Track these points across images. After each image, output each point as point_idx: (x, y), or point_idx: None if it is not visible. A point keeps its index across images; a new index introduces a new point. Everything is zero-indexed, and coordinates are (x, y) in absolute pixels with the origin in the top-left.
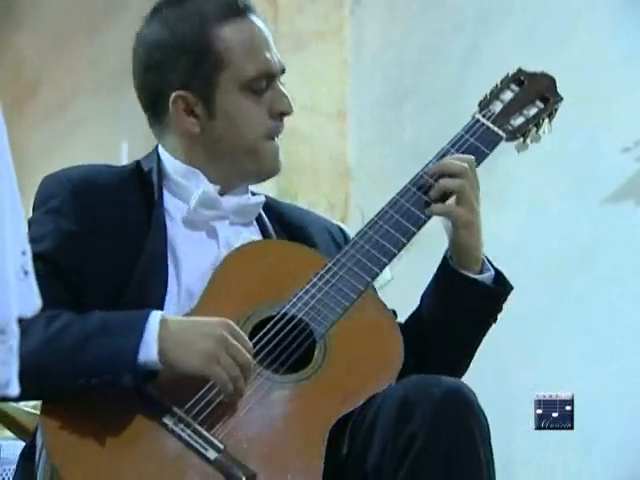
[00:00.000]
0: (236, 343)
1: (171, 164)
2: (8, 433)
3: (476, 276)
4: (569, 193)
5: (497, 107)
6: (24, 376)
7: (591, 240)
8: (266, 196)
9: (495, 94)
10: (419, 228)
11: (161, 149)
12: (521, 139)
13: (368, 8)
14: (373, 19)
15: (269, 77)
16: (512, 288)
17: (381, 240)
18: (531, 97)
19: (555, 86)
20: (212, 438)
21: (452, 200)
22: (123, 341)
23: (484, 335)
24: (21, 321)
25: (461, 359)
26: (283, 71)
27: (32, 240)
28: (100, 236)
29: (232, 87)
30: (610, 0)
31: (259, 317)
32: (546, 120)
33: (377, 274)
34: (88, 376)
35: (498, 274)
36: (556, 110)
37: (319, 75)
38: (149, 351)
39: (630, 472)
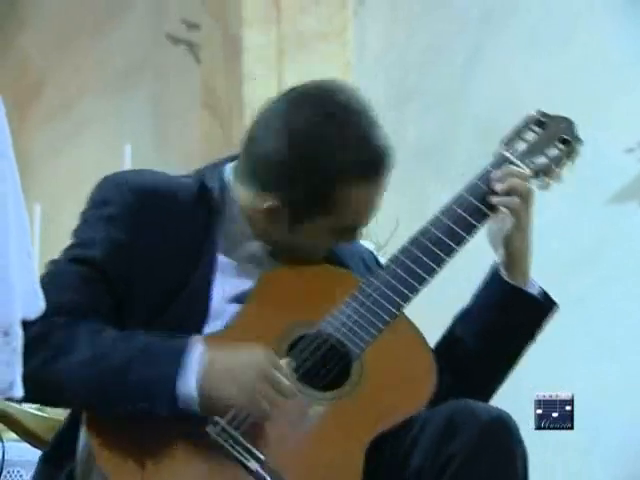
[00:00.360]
0: (277, 374)
1: (234, 199)
2: (13, 435)
3: (529, 290)
4: (572, 194)
5: (521, 146)
6: (69, 388)
7: (593, 241)
8: None
9: (518, 133)
10: (472, 234)
11: (227, 176)
12: (543, 178)
13: (371, 9)
14: (376, 20)
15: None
16: (558, 306)
17: (412, 265)
18: (552, 139)
19: (574, 128)
20: (253, 449)
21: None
22: (162, 372)
23: (523, 353)
24: (25, 324)
25: (496, 380)
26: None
27: (84, 243)
28: (151, 251)
29: (323, 228)
30: (611, 1)
31: (295, 335)
32: (567, 161)
33: (409, 298)
34: (127, 402)
35: (544, 291)
36: (577, 152)
37: (322, 76)
38: (188, 382)
39: (630, 472)
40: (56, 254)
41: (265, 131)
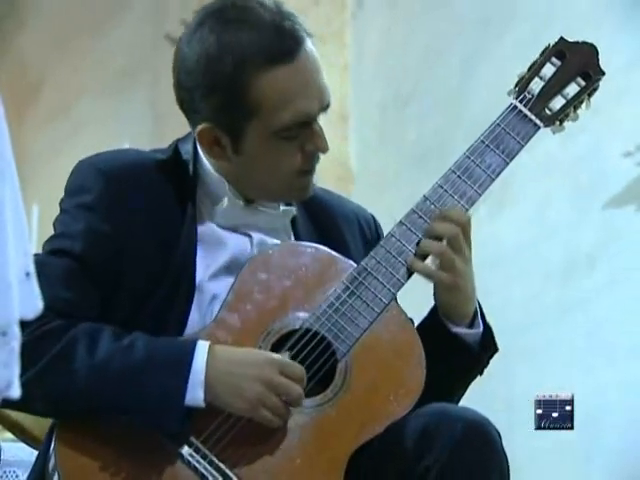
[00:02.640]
0: (285, 382)
1: (204, 161)
2: (9, 435)
3: (459, 332)
4: (571, 197)
5: (537, 87)
6: (62, 405)
7: (592, 244)
8: None
9: (535, 70)
10: None
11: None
12: (558, 122)
13: (370, 11)
14: (375, 22)
15: (303, 124)
16: (497, 350)
17: (407, 246)
18: (572, 73)
19: (597, 59)
20: (228, 472)
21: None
22: (169, 383)
23: (461, 389)
24: (23, 324)
25: (445, 399)
26: (326, 107)
27: (65, 234)
28: (133, 236)
29: (261, 135)
30: (613, 5)
31: (280, 332)
32: (586, 98)
33: (402, 285)
34: (133, 414)
35: (487, 332)
36: (597, 88)
37: None
38: (195, 394)
39: (630, 472)
40: None
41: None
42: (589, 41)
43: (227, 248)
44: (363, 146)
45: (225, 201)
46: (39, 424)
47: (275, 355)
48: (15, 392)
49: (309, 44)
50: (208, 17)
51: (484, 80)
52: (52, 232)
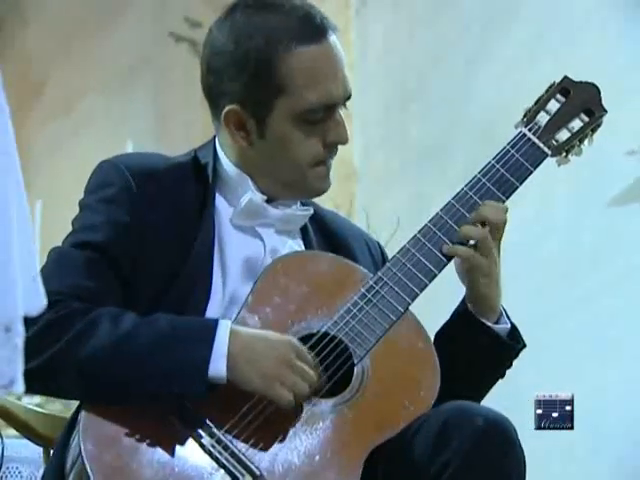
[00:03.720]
0: (301, 364)
1: (225, 161)
2: (12, 432)
3: (491, 325)
4: (574, 196)
5: (543, 119)
6: (88, 375)
7: (596, 242)
8: (312, 204)
9: (541, 104)
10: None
11: (217, 143)
12: (564, 153)
13: (373, 9)
14: (378, 20)
15: (328, 107)
16: (525, 345)
17: (422, 259)
18: (576, 110)
19: (600, 98)
20: (249, 463)
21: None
22: (194, 353)
23: (490, 386)
24: (27, 320)
25: (471, 397)
26: (348, 98)
27: (86, 227)
28: (153, 230)
29: (287, 114)
30: (616, 5)
31: (299, 334)
32: (589, 133)
33: (417, 295)
34: (157, 385)
35: (514, 329)
36: (600, 124)
37: None
38: (218, 366)
39: (630, 472)
40: None
41: (204, 55)
42: (592, 81)
43: (242, 252)
44: (367, 144)
45: (246, 197)
46: (42, 421)
47: (293, 339)
48: (19, 388)
49: (335, 36)
50: (239, 5)
51: (488, 79)
52: (54, 228)
